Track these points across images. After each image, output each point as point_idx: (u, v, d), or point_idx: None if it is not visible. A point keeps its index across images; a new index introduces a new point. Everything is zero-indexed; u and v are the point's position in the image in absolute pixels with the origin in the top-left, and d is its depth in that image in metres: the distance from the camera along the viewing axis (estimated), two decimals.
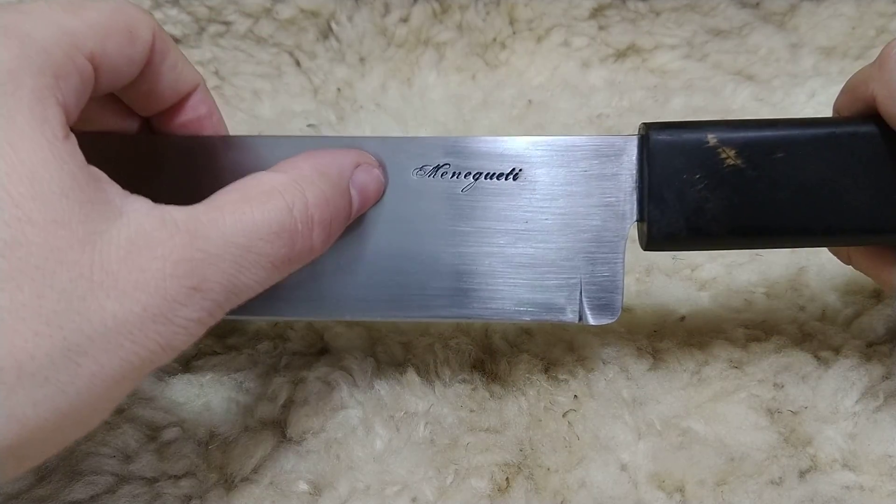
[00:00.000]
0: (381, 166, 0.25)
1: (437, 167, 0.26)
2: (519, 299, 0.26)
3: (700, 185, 0.24)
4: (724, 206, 0.24)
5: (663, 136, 0.25)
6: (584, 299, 0.25)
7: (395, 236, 0.25)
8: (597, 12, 0.49)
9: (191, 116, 0.27)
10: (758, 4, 0.50)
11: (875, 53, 0.24)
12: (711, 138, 0.24)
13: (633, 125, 0.45)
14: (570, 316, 0.25)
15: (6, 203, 0.17)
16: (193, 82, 0.26)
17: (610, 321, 0.25)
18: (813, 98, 0.45)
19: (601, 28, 0.50)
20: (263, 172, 0.22)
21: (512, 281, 0.26)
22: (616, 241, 0.25)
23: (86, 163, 0.19)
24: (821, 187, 0.24)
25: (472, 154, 0.26)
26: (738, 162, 0.24)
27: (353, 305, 0.26)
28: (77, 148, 0.19)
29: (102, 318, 0.18)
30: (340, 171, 0.24)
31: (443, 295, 0.26)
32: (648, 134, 0.25)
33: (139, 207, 0.19)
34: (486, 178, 0.26)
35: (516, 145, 0.25)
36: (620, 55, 0.50)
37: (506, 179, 0.25)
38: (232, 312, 0.21)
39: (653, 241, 0.25)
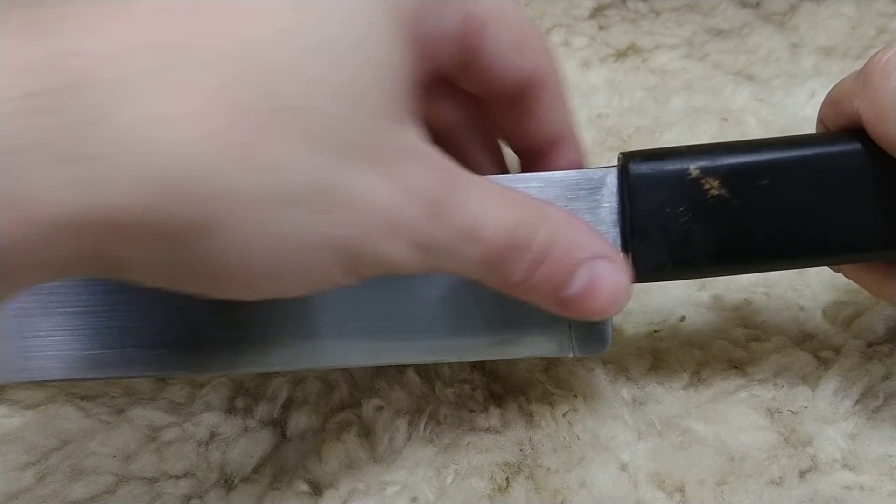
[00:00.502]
0: (627, 282, 0.23)
1: None
2: (510, 336, 0.25)
3: (684, 218, 0.23)
4: (711, 237, 0.24)
5: (643, 169, 0.24)
6: (573, 333, 0.25)
7: (376, 282, 0.24)
8: (597, 12, 0.49)
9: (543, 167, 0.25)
10: (758, 4, 0.50)
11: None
12: (693, 169, 0.23)
13: (633, 125, 0.45)
14: (562, 350, 0.25)
15: (333, 76, 0.17)
16: (560, 132, 0.25)
17: (601, 352, 0.25)
18: (813, 98, 0.44)
19: (601, 28, 0.50)
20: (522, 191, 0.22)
21: (502, 319, 0.25)
22: None
23: (410, 79, 0.19)
24: (808, 210, 0.23)
25: None
26: (723, 192, 0.23)
27: (332, 351, 0.25)
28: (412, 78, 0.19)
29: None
30: (581, 242, 0.22)
31: (431, 337, 0.25)
32: (628, 166, 0.24)
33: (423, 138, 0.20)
34: None
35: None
36: (620, 55, 0.50)
37: None
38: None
39: (639, 274, 0.24)
